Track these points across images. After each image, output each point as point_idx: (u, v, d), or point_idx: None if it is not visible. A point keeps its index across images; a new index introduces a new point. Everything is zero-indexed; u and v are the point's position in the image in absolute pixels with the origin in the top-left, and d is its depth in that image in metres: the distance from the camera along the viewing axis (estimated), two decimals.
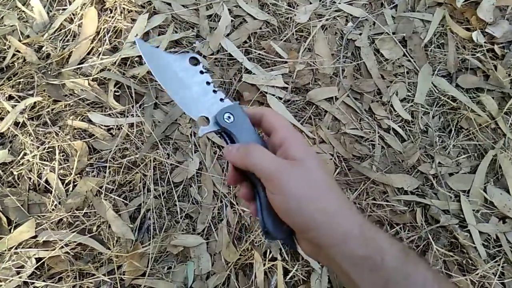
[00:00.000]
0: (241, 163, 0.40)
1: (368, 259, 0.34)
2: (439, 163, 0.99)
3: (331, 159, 0.98)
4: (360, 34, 1.13)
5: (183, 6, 1.12)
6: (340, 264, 0.35)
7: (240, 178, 0.44)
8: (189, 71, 0.47)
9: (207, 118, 0.45)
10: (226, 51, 1.06)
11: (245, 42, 1.10)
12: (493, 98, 1.05)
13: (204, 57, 1.06)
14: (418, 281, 0.34)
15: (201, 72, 0.47)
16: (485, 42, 1.11)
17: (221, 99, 0.46)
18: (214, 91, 0.46)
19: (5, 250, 0.86)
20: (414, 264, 0.35)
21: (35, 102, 1.00)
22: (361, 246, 0.35)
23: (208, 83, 0.47)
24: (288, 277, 0.86)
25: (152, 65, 0.46)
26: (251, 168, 0.39)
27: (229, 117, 0.44)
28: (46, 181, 0.94)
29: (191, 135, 0.99)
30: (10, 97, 1.01)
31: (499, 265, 0.88)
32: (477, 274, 0.86)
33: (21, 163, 0.95)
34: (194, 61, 0.47)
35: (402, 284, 0.33)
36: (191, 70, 0.47)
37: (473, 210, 0.93)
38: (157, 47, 0.46)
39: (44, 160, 0.95)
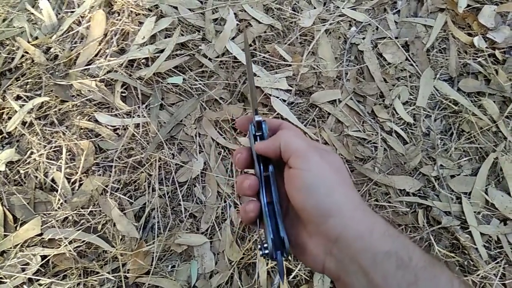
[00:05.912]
0: (273, 145, 0.39)
1: (395, 255, 0.32)
2: (441, 165, 1.00)
3: None
4: (363, 38, 1.15)
5: (189, 9, 1.14)
6: (361, 262, 0.32)
7: (250, 162, 0.44)
8: None
9: None
10: (231, 54, 1.08)
11: (250, 45, 1.12)
12: (494, 102, 1.06)
13: (210, 59, 1.08)
14: (446, 282, 0.32)
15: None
16: (486, 47, 1.13)
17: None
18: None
19: (11, 248, 0.87)
20: (440, 265, 0.33)
21: (42, 102, 1.01)
22: (387, 241, 0.33)
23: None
24: (291, 276, 0.87)
25: None
26: (282, 145, 0.39)
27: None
28: (52, 180, 0.95)
29: (195, 135, 1.00)
30: (18, 97, 1.02)
31: (500, 266, 0.89)
32: (478, 275, 0.87)
33: (28, 162, 0.96)
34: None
35: (431, 283, 0.31)
36: None
37: (475, 212, 0.94)
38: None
39: (51, 159, 0.97)
